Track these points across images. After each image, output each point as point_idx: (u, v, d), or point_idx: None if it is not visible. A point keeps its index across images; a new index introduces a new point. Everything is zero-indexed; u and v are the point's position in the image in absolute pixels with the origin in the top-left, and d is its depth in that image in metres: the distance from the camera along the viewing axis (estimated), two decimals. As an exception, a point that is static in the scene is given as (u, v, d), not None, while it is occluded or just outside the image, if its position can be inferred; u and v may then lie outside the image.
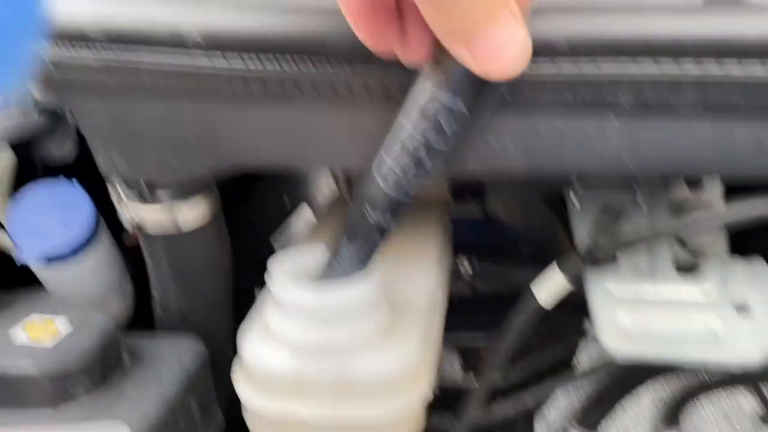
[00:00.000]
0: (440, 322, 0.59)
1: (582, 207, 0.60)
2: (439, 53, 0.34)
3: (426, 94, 0.36)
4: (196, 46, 0.42)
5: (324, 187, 0.91)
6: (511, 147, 0.44)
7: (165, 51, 0.43)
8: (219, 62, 0.43)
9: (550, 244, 0.88)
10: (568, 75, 0.40)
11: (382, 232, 0.42)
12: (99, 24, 0.43)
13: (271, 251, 0.92)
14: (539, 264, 0.79)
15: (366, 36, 0.36)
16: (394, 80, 0.41)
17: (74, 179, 0.63)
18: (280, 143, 0.47)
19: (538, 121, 0.42)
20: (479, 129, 0.42)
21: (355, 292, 0.43)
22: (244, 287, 0.92)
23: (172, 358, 0.56)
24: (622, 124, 0.42)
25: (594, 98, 0.40)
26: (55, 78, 0.47)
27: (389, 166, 0.38)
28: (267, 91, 0.43)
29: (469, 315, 0.81)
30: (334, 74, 0.42)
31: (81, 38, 0.43)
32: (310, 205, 0.92)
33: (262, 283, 0.99)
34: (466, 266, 0.82)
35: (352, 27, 0.36)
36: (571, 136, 0.43)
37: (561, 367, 0.79)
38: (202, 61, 0.43)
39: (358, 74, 0.41)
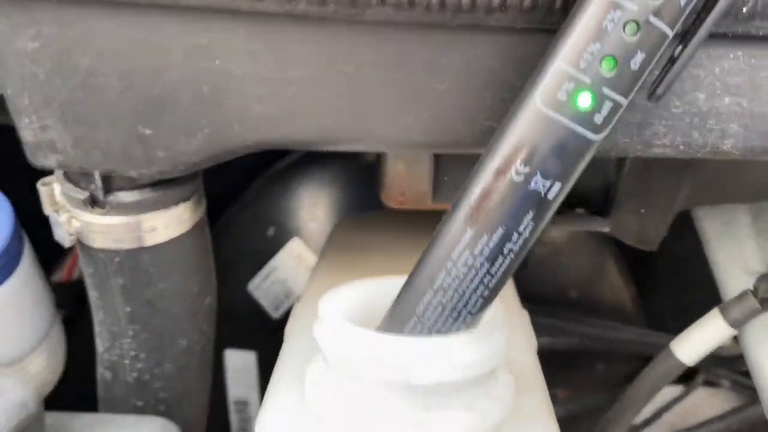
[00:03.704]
0: None
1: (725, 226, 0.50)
2: None
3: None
4: None
5: (322, 214, 0.73)
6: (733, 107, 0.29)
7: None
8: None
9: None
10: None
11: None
12: None
13: (248, 301, 0.73)
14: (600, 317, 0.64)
15: None
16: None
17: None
18: (326, 100, 0.32)
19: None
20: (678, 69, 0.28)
21: (474, 354, 0.28)
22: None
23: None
24: None
25: None
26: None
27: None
28: None
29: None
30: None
31: None
32: (304, 239, 0.75)
33: (233, 344, 0.77)
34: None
35: None
36: None
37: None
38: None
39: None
